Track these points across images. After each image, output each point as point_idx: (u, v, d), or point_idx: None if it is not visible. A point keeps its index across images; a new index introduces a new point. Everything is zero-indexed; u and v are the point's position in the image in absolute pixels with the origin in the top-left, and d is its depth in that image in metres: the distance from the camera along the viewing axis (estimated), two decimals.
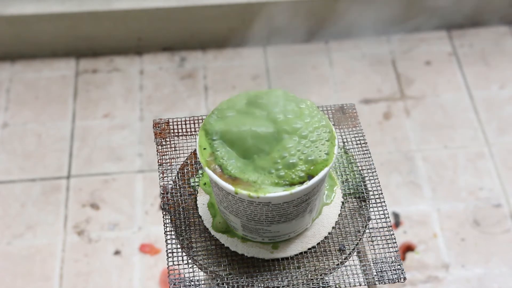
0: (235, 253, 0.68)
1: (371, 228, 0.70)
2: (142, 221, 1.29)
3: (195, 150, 0.74)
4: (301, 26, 1.51)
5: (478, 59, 1.56)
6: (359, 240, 0.69)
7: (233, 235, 0.69)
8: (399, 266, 0.67)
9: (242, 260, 0.68)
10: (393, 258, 0.68)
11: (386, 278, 0.67)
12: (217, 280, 0.66)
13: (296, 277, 0.66)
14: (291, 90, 0.68)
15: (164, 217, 0.71)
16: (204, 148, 0.63)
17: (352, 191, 0.72)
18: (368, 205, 0.71)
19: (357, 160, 0.75)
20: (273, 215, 0.63)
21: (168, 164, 0.74)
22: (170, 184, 0.73)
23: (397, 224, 1.28)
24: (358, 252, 0.72)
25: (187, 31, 1.55)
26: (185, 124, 0.77)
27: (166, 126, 0.77)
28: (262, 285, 0.66)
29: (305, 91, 1.47)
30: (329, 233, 0.70)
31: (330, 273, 0.67)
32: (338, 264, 0.67)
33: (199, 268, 0.68)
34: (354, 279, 0.67)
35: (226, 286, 0.66)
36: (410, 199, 1.31)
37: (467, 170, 1.36)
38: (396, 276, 0.67)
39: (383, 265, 0.67)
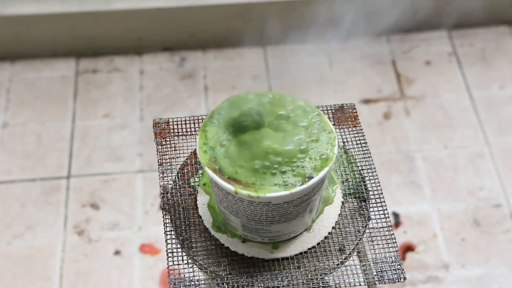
0: (235, 253, 0.68)
1: (371, 228, 0.70)
2: (142, 221, 1.29)
3: (195, 150, 0.74)
4: (302, 26, 1.51)
5: (478, 59, 1.56)
6: (359, 240, 0.69)
7: (233, 235, 0.69)
8: (399, 266, 0.67)
9: (242, 260, 0.68)
10: (393, 258, 0.68)
11: (386, 278, 0.67)
12: (217, 280, 0.66)
13: (296, 277, 0.66)
14: (291, 90, 0.68)
15: (164, 217, 0.71)
16: (205, 150, 0.63)
17: (352, 191, 0.73)
18: (368, 205, 0.71)
19: (357, 160, 0.75)
20: (273, 215, 0.63)
21: (168, 164, 0.74)
22: (170, 184, 0.73)
23: (397, 224, 1.28)
24: (358, 252, 0.73)
25: (187, 31, 1.55)
26: (185, 124, 0.77)
27: (166, 126, 0.77)
28: (262, 285, 0.66)
29: (305, 91, 1.47)
30: (329, 233, 0.70)
31: (330, 273, 0.67)
32: (338, 264, 0.67)
33: (199, 268, 0.68)
34: (354, 279, 0.67)
35: (226, 286, 0.66)
36: (410, 199, 1.31)
37: (467, 170, 1.36)
38: (396, 276, 0.67)
39: (383, 265, 0.67)
